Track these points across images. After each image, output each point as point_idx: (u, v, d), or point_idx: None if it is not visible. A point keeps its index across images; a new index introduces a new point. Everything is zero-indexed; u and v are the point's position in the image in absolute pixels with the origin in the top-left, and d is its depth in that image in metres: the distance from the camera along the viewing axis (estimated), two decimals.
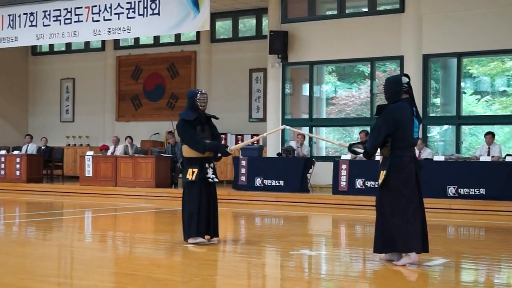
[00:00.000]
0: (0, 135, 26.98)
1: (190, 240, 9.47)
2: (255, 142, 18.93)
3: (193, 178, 9.46)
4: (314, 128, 21.16)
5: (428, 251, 8.11)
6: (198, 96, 9.55)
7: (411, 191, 7.94)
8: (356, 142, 8.58)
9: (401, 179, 7.92)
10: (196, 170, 9.47)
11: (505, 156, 16.60)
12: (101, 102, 26.41)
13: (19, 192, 21.03)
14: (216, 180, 9.65)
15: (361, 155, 8.41)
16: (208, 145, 9.50)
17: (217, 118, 9.98)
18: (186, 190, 9.61)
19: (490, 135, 16.93)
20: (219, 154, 9.62)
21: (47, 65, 27.87)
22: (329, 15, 21.18)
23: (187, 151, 9.61)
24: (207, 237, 9.66)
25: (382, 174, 8.02)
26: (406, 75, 8.20)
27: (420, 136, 18.16)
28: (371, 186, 17.01)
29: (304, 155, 18.77)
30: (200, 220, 9.44)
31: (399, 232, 7.91)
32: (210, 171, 9.59)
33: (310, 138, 20.47)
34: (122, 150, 21.11)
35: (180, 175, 21.21)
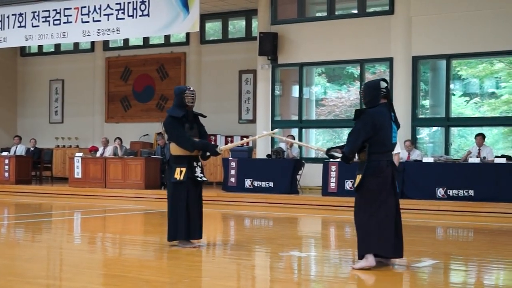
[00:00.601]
0: None
1: (180, 245, 9.39)
2: (245, 144, 18.91)
3: (182, 178, 9.28)
4: (303, 130, 21.17)
5: (401, 256, 8.05)
6: (186, 93, 9.36)
7: (387, 195, 7.92)
8: (334, 146, 8.50)
9: (377, 183, 7.91)
10: (184, 169, 9.28)
11: (494, 157, 16.67)
12: (90, 103, 26.34)
13: (8, 193, 20.96)
14: (204, 179, 9.51)
15: (339, 159, 8.36)
16: (197, 143, 9.32)
17: (204, 116, 9.81)
18: (172, 190, 9.44)
19: (481, 137, 16.97)
20: (208, 153, 9.51)
21: (36, 66, 27.79)
22: (319, 16, 21.19)
23: (174, 149, 9.42)
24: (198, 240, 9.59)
25: (358, 178, 7.96)
26: (384, 80, 8.19)
27: (409, 138, 18.25)
28: None
29: (294, 157, 18.79)
30: (191, 222, 9.33)
31: (363, 234, 7.88)
32: (198, 170, 9.43)
33: (300, 140, 20.47)
34: (112, 152, 21.07)
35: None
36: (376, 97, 8.07)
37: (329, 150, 8.43)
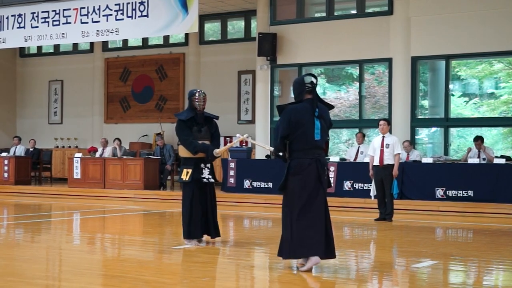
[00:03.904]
0: None
1: (185, 242, 9.56)
2: (244, 144, 18.91)
3: (187, 179, 9.52)
4: None
5: (334, 256, 7.82)
6: (196, 96, 9.67)
7: (311, 194, 7.67)
8: None
9: (299, 182, 7.70)
10: (190, 171, 9.53)
11: (494, 156, 16.69)
12: (90, 104, 26.33)
13: (7, 194, 20.97)
14: (211, 180, 9.69)
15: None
16: (199, 146, 9.51)
17: (217, 118, 10.02)
18: (182, 190, 9.75)
19: (480, 141, 16.92)
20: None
21: (35, 67, 27.78)
22: (318, 17, 21.19)
23: (182, 151, 9.67)
24: (207, 237, 9.72)
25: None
26: (312, 75, 8.00)
27: (409, 138, 18.25)
28: (359, 188, 17.04)
29: None
30: (193, 221, 9.49)
31: (286, 239, 7.72)
32: (206, 171, 9.64)
33: None
34: (111, 152, 21.06)
35: (171, 177, 21.26)
36: (301, 93, 7.88)
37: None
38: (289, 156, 7.79)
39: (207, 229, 9.69)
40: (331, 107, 8.27)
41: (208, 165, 9.70)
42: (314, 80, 7.97)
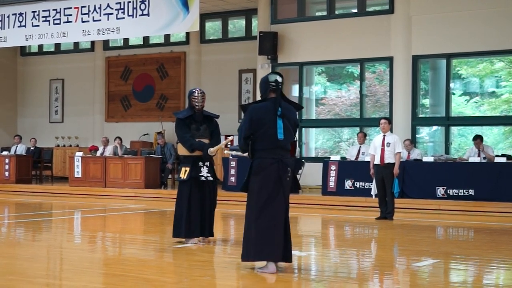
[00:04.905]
0: None
1: (186, 241, 9.56)
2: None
3: (185, 177, 9.53)
4: (303, 129, 21.14)
5: (291, 260, 7.68)
6: (195, 95, 9.70)
7: (271, 195, 7.54)
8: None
9: (259, 182, 7.61)
10: (188, 169, 9.54)
11: (494, 155, 16.68)
12: (91, 103, 26.34)
13: (8, 193, 20.97)
14: (210, 178, 9.66)
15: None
16: (195, 144, 9.54)
17: (217, 117, 10.02)
18: (179, 189, 9.70)
19: (479, 140, 16.92)
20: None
21: (36, 66, 27.79)
22: (319, 16, 21.19)
23: (180, 149, 9.70)
24: (199, 238, 9.67)
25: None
26: (278, 73, 7.84)
27: (409, 137, 18.25)
28: (360, 187, 17.04)
29: (294, 156, 18.74)
30: (191, 220, 9.49)
31: (246, 240, 7.61)
32: (204, 169, 9.63)
33: (300, 139, 20.50)
34: (112, 151, 21.07)
35: (171, 176, 21.27)
36: (265, 92, 7.76)
37: (232, 150, 8.37)
38: (252, 156, 7.70)
39: (202, 229, 9.66)
40: (300, 107, 8.16)
41: (207, 163, 9.68)
42: (279, 79, 7.77)
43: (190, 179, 9.52)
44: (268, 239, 7.44)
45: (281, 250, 7.47)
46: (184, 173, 9.56)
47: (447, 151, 18.69)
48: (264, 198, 7.54)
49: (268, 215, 7.49)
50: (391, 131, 14.53)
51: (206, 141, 9.65)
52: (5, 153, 22.77)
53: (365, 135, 18.57)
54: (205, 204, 9.64)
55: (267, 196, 7.53)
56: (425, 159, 16.88)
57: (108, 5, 19.74)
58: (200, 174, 9.58)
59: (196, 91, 9.78)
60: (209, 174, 9.66)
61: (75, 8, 20.34)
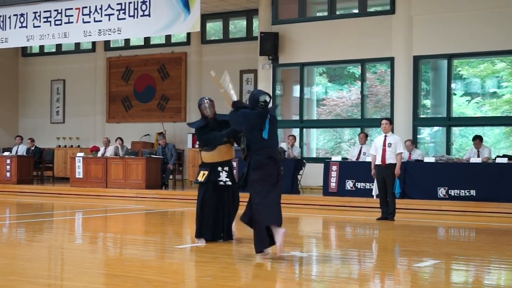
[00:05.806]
0: None
1: (196, 240, 9.77)
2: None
3: (203, 180, 9.73)
4: (304, 130, 21.14)
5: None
6: (203, 105, 9.87)
7: (271, 183, 8.60)
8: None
9: (259, 175, 8.58)
10: (206, 173, 9.76)
11: (495, 157, 16.66)
12: (92, 104, 26.34)
13: (9, 193, 20.97)
14: (228, 183, 9.84)
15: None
16: (224, 134, 9.75)
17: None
18: (198, 191, 9.93)
19: (478, 140, 16.92)
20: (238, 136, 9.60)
21: (38, 67, 27.79)
22: (320, 16, 21.18)
23: (204, 156, 9.86)
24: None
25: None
26: (267, 94, 8.66)
27: (411, 137, 18.25)
28: (361, 187, 17.03)
29: (295, 157, 18.77)
30: (204, 222, 9.64)
31: (262, 209, 8.49)
32: (223, 174, 9.82)
33: (301, 139, 20.51)
34: (113, 152, 21.07)
35: (172, 176, 21.27)
36: (253, 108, 8.67)
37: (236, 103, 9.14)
38: (247, 156, 8.65)
39: (217, 232, 9.81)
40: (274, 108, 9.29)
41: (226, 168, 9.81)
42: (267, 99, 8.60)
43: (207, 183, 9.70)
44: (277, 210, 8.55)
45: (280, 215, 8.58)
46: (202, 176, 9.75)
47: (448, 151, 18.69)
48: (267, 185, 8.51)
49: (273, 196, 8.53)
50: (392, 132, 14.53)
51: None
52: (6, 153, 22.77)
53: (366, 135, 18.56)
54: (222, 208, 9.80)
55: (269, 184, 8.52)
56: (426, 159, 16.87)
57: (109, 6, 19.73)
58: (219, 179, 9.78)
59: (205, 101, 9.90)
60: (228, 179, 9.81)
61: (76, 8, 20.33)
